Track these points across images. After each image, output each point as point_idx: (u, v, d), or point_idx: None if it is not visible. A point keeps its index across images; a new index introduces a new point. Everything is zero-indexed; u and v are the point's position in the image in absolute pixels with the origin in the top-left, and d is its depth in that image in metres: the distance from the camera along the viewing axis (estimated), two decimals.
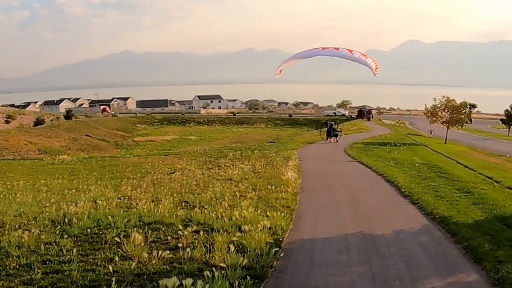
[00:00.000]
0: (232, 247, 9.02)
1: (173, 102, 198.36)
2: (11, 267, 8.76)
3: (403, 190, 17.58)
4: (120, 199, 15.42)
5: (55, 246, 9.92)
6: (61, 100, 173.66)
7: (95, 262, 9.00)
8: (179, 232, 10.43)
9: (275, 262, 9.33)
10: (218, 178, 20.18)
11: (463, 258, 9.88)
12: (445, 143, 46.74)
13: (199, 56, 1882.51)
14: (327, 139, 42.87)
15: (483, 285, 8.44)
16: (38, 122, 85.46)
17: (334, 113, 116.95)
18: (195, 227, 10.94)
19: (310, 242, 11.07)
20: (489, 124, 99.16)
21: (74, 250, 9.37)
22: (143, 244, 9.69)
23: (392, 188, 18.56)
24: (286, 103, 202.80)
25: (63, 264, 8.84)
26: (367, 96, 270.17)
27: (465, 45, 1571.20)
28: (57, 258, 9.20)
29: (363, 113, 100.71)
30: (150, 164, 28.47)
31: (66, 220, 11.88)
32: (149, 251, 9.33)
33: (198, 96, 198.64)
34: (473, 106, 49.98)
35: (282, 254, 9.72)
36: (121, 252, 9.45)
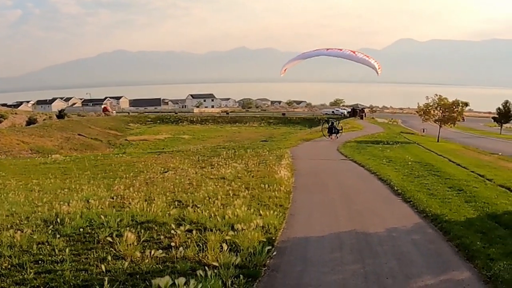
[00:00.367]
0: (225, 246, 9.02)
1: (166, 101, 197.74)
2: (3, 267, 8.73)
3: (396, 188, 17.65)
4: (113, 198, 15.36)
5: (48, 246, 9.89)
6: (53, 100, 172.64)
7: (87, 262, 8.99)
8: (172, 231, 10.42)
9: (268, 261, 9.35)
10: (211, 177, 20.15)
11: (456, 256, 9.93)
12: (438, 141, 46.83)
13: (192, 55, 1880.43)
14: (329, 136, 44.37)
15: (475, 282, 8.49)
16: (31, 121, 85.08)
17: (333, 111, 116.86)
18: (188, 226, 10.95)
19: (303, 241, 11.09)
20: (481, 122, 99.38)
21: (67, 250, 9.35)
22: (135, 243, 9.67)
23: (385, 186, 18.63)
24: (279, 102, 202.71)
25: (56, 264, 8.82)
26: (360, 95, 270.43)
27: (457, 43, 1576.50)
28: (50, 258, 9.18)
29: (356, 112, 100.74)
30: (143, 163, 28.38)
31: (58, 219, 11.85)
32: (142, 251, 9.33)
33: (191, 95, 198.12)
34: (466, 104, 50.05)
35: (275, 253, 9.75)
36: (114, 251, 9.43)
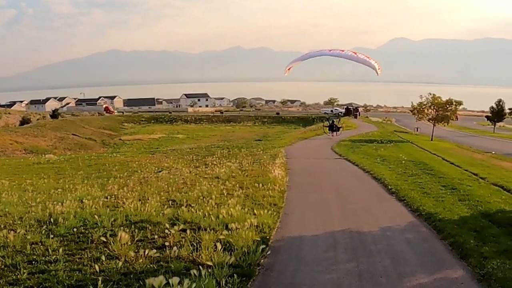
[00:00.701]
0: (219, 246, 9.03)
1: (160, 100, 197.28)
2: None
3: (389, 187, 17.70)
4: (107, 198, 15.33)
5: (41, 246, 9.87)
6: (47, 99, 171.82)
7: (81, 262, 8.97)
8: (166, 231, 10.42)
9: (262, 260, 9.35)
10: (205, 176, 20.15)
11: (449, 255, 9.97)
12: (432, 140, 46.94)
13: (187, 54, 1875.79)
14: (330, 133, 46.20)
15: (469, 281, 8.53)
16: (24, 121, 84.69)
17: (332, 110, 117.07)
18: (182, 226, 10.93)
19: (297, 240, 11.10)
20: (474, 121, 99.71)
21: (60, 250, 9.33)
22: (129, 243, 9.67)
23: (379, 185, 18.67)
24: (274, 101, 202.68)
25: (49, 264, 8.80)
26: (354, 94, 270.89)
27: (451, 42, 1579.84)
28: (43, 258, 9.16)
29: (350, 111, 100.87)
30: (137, 163, 28.31)
31: (52, 219, 11.83)
32: (136, 250, 9.32)
33: (186, 95, 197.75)
34: (459, 103, 50.18)
35: (269, 252, 9.75)
36: (108, 251, 9.42)
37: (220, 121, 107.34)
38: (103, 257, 8.85)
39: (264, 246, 9.61)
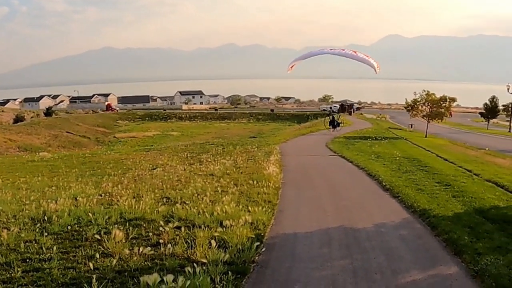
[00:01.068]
0: (213, 243, 9.04)
1: (154, 98, 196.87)
2: None
3: (384, 183, 17.73)
4: (101, 195, 15.29)
5: (35, 244, 9.83)
6: (41, 97, 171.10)
7: (75, 260, 8.95)
8: (161, 228, 10.43)
9: (256, 257, 9.36)
10: (200, 173, 20.12)
11: (443, 251, 10.00)
12: (426, 136, 47.08)
13: (180, 51, 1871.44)
14: (330, 128, 47.17)
15: (463, 277, 8.56)
16: (18, 119, 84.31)
17: (331, 107, 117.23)
18: (176, 223, 10.93)
19: (291, 237, 11.11)
20: (468, 117, 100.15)
21: (54, 248, 9.30)
22: (124, 240, 9.66)
23: (373, 182, 18.71)
24: (268, 98, 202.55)
25: (43, 262, 8.77)
26: (349, 90, 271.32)
27: (444, 39, 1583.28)
28: (37, 256, 9.12)
29: (345, 108, 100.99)
30: (131, 160, 28.25)
31: (46, 217, 11.77)
32: (130, 248, 9.31)
33: (180, 92, 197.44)
34: (453, 99, 50.24)
35: (263, 249, 9.76)
36: (102, 249, 9.40)
37: (214, 118, 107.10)
38: (97, 255, 8.83)
39: (258, 243, 9.59)
